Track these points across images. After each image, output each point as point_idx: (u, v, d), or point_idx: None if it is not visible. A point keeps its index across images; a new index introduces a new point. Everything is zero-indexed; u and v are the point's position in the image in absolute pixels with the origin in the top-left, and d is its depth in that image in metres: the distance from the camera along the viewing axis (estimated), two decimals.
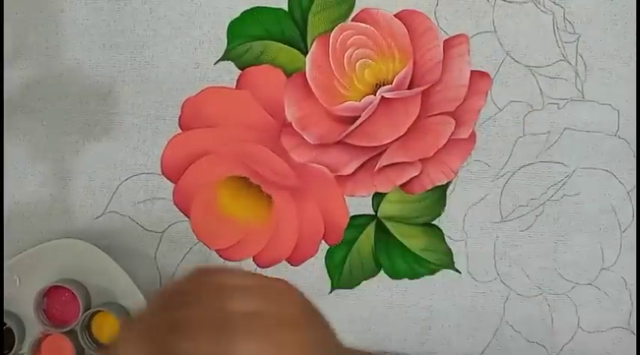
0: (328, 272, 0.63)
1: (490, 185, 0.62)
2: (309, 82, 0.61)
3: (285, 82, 0.61)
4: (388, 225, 0.62)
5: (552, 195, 0.62)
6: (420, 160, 0.62)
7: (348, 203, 0.62)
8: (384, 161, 0.62)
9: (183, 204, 0.62)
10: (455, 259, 0.63)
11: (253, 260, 0.62)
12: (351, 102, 0.61)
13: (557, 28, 0.62)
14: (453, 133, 0.61)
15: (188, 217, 0.62)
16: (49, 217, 0.62)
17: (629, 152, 0.62)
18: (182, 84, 0.61)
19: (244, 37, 0.61)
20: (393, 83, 0.61)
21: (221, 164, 0.61)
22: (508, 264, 0.63)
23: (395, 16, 0.61)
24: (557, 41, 0.62)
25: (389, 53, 0.61)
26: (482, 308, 0.63)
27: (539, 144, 0.62)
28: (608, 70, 0.62)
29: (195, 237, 0.62)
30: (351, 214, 0.62)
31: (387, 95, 0.61)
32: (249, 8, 0.61)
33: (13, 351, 0.59)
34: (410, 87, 0.61)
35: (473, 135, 0.62)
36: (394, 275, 0.63)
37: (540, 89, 0.62)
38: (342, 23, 0.61)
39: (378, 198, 0.62)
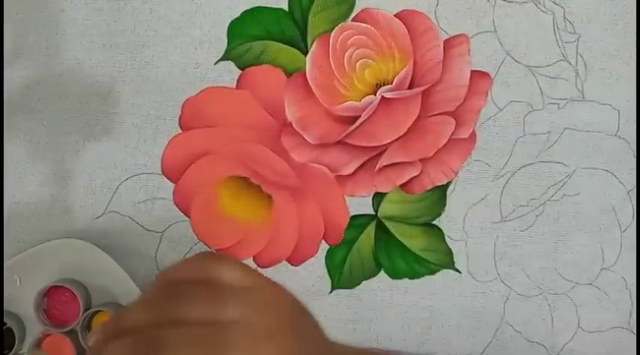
0: (328, 272, 0.63)
1: (490, 185, 0.62)
2: (310, 81, 0.61)
3: (285, 81, 0.61)
4: (388, 225, 0.62)
5: (552, 195, 0.62)
6: (420, 160, 0.62)
7: (348, 203, 0.62)
8: (384, 161, 0.62)
9: (183, 204, 0.62)
10: (455, 259, 0.63)
11: (253, 260, 0.62)
12: (351, 102, 0.61)
13: (558, 28, 0.62)
14: (453, 133, 0.61)
15: (188, 217, 0.62)
16: (49, 217, 0.62)
17: (629, 152, 0.62)
18: (182, 84, 0.61)
19: (244, 37, 0.61)
20: (393, 83, 0.61)
21: (221, 164, 0.61)
22: (508, 263, 0.63)
23: (395, 16, 0.61)
24: (557, 41, 0.62)
25: (389, 53, 0.61)
26: (482, 308, 0.63)
27: (539, 144, 0.62)
28: (608, 70, 0.62)
29: (195, 236, 0.62)
30: (352, 214, 0.62)
31: (387, 95, 0.61)
32: (249, 8, 0.61)
33: (13, 351, 0.59)
34: (410, 87, 0.61)
35: (473, 135, 0.62)
36: (394, 275, 0.63)
37: (540, 89, 0.62)
38: (342, 23, 0.61)
39: (378, 198, 0.62)
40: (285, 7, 0.61)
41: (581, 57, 0.62)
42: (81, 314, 0.58)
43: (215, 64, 0.61)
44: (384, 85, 0.61)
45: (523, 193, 0.62)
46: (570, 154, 0.62)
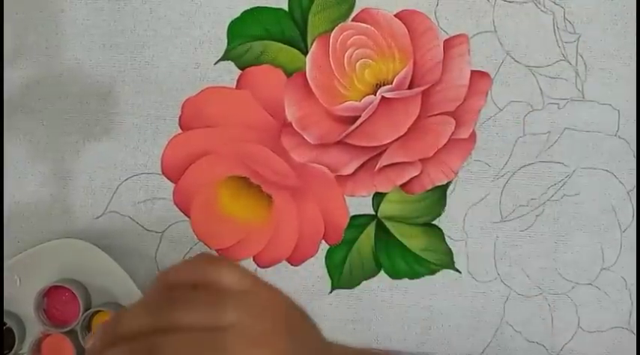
0: (328, 272, 0.63)
1: (490, 185, 0.62)
2: (310, 81, 0.61)
3: (285, 82, 0.61)
4: (388, 225, 0.62)
5: (552, 195, 0.62)
6: (420, 160, 0.62)
7: (348, 203, 0.62)
8: (384, 161, 0.62)
9: (183, 204, 0.62)
10: (455, 259, 0.63)
11: (253, 260, 0.62)
12: (351, 102, 0.61)
13: (558, 28, 0.62)
14: (453, 133, 0.61)
15: (188, 217, 0.62)
16: (49, 217, 0.62)
17: (629, 152, 0.62)
18: (182, 84, 0.61)
19: (244, 37, 0.61)
20: (393, 83, 0.61)
21: (221, 164, 0.61)
22: (508, 264, 0.63)
23: (395, 16, 0.61)
24: (557, 41, 0.62)
25: (389, 53, 0.61)
26: (482, 308, 0.63)
27: (539, 144, 0.62)
28: (608, 70, 0.62)
29: (195, 236, 0.62)
30: (351, 214, 0.62)
31: (387, 95, 0.61)
32: (249, 8, 0.61)
33: (13, 351, 0.59)
34: (410, 87, 0.61)
35: (473, 135, 0.62)
36: (394, 275, 0.63)
37: (540, 89, 0.62)
38: (342, 23, 0.61)
39: (378, 198, 0.62)
40: (285, 7, 0.61)
41: (581, 57, 0.62)
42: (81, 314, 0.58)
43: (215, 64, 0.61)
44: (384, 85, 0.61)
45: (523, 193, 0.62)
46: (570, 154, 0.62)
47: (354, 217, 0.62)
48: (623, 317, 0.63)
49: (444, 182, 0.62)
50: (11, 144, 0.61)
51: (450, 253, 0.63)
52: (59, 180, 0.62)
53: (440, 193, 0.62)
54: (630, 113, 0.62)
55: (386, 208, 0.62)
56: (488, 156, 0.62)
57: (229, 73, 0.61)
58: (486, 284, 0.63)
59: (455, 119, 0.61)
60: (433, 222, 0.63)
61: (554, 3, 0.61)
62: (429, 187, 0.62)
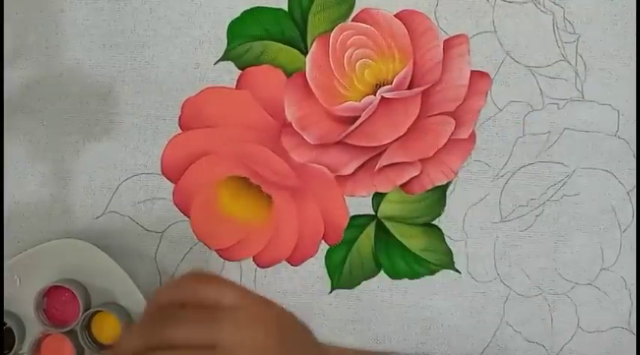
0: (328, 272, 0.63)
1: (490, 185, 0.62)
2: (309, 82, 0.61)
3: (285, 82, 0.61)
4: (388, 225, 0.62)
5: (552, 195, 0.62)
6: (420, 160, 0.62)
7: (348, 203, 0.62)
8: (384, 161, 0.62)
9: (183, 204, 0.62)
10: (455, 259, 0.63)
11: (253, 260, 0.62)
12: (351, 102, 0.61)
13: (557, 28, 0.62)
14: (453, 133, 0.62)
15: (188, 217, 0.62)
16: (49, 217, 0.62)
17: (629, 152, 0.62)
18: (182, 84, 0.61)
19: (244, 37, 0.61)
20: (393, 83, 0.61)
21: (221, 164, 0.61)
22: (508, 264, 0.63)
23: (395, 16, 0.61)
24: (557, 41, 0.62)
25: (389, 53, 0.61)
26: (482, 308, 0.63)
27: (539, 144, 0.62)
28: (608, 70, 0.62)
29: (195, 237, 0.62)
30: (351, 214, 0.62)
31: (387, 95, 0.61)
32: (249, 8, 0.61)
33: (13, 351, 0.59)
34: (410, 87, 0.61)
35: (473, 135, 0.62)
36: (394, 275, 0.63)
37: (540, 89, 0.62)
38: (342, 23, 0.61)
39: (378, 198, 0.62)
40: (285, 7, 0.61)
41: (581, 57, 0.62)
42: (81, 314, 0.58)
43: (215, 64, 0.61)
44: (383, 85, 0.61)
45: (523, 193, 0.62)
46: (570, 154, 0.62)
47: (353, 217, 0.62)
48: (622, 317, 0.63)
49: (444, 182, 0.62)
50: (11, 144, 0.61)
51: (449, 253, 0.63)
52: (59, 180, 0.62)
53: (440, 193, 0.62)
54: (630, 113, 0.62)
55: (386, 208, 0.62)
56: (488, 156, 0.62)
57: (229, 73, 0.61)
58: (486, 285, 0.63)
59: (455, 119, 0.61)
60: (433, 222, 0.63)
61: (554, 3, 0.61)
62: (429, 187, 0.62)
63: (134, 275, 0.60)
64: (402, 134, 0.61)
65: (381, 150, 0.61)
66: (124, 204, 0.62)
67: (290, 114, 0.61)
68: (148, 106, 0.61)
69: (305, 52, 0.61)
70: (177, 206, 0.62)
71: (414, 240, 0.63)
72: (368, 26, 0.61)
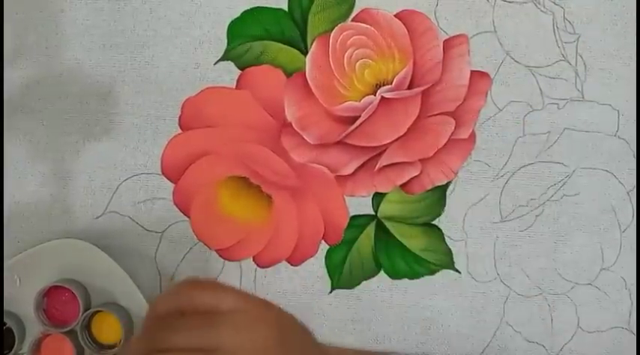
0: (328, 272, 0.63)
1: (490, 185, 0.62)
2: (309, 82, 0.61)
3: (285, 82, 0.61)
4: (388, 225, 0.62)
5: (552, 195, 0.62)
6: (420, 160, 0.62)
7: (348, 203, 0.62)
8: (384, 161, 0.62)
9: (183, 204, 0.62)
10: (455, 259, 0.63)
11: (253, 260, 0.62)
12: (351, 102, 0.61)
13: (557, 28, 0.62)
14: (453, 133, 0.62)
15: (188, 217, 0.62)
16: (49, 217, 0.62)
17: (629, 152, 0.62)
18: (182, 84, 0.61)
19: (244, 37, 0.61)
20: (393, 83, 0.61)
21: (221, 164, 0.61)
22: (508, 264, 0.63)
23: (395, 16, 0.61)
24: (557, 41, 0.62)
25: (389, 53, 0.61)
26: (482, 308, 0.63)
27: (539, 144, 0.62)
28: (608, 70, 0.62)
29: (195, 237, 0.62)
30: (351, 214, 0.62)
31: (387, 95, 0.61)
32: (249, 8, 0.61)
33: (13, 351, 0.59)
34: (410, 87, 0.61)
35: (473, 135, 0.62)
36: (394, 275, 0.63)
37: (540, 89, 0.62)
38: (342, 23, 0.61)
39: (378, 198, 0.62)
40: (285, 7, 0.61)
41: (581, 57, 0.62)
42: (81, 314, 0.58)
43: (215, 64, 0.61)
44: (383, 85, 0.61)
45: (523, 193, 0.62)
46: (570, 154, 0.62)
47: (353, 217, 0.62)
48: (622, 317, 0.63)
49: (444, 182, 0.62)
50: (11, 144, 0.61)
51: (449, 253, 0.63)
52: (59, 180, 0.62)
53: (440, 193, 0.62)
54: (630, 113, 0.62)
55: (386, 208, 0.62)
56: (488, 156, 0.62)
57: (229, 73, 0.61)
58: (486, 285, 0.63)
59: (455, 119, 0.61)
60: (433, 222, 0.63)
61: (554, 3, 0.61)
62: (429, 187, 0.62)
63: (134, 275, 0.60)
64: (402, 134, 0.61)
65: (381, 150, 0.61)
66: (124, 204, 0.62)
67: (290, 114, 0.61)
68: (148, 106, 0.61)
69: (305, 52, 0.61)
70: (177, 206, 0.62)
71: (414, 240, 0.63)
72: (368, 26, 0.61)
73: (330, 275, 0.63)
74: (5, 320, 0.59)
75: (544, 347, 0.63)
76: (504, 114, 0.62)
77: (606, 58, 0.62)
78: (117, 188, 0.62)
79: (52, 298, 0.59)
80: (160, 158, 0.62)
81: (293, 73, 0.61)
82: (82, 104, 0.61)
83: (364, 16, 0.61)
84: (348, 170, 0.62)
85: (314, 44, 0.61)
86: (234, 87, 0.61)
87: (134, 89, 0.61)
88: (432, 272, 0.63)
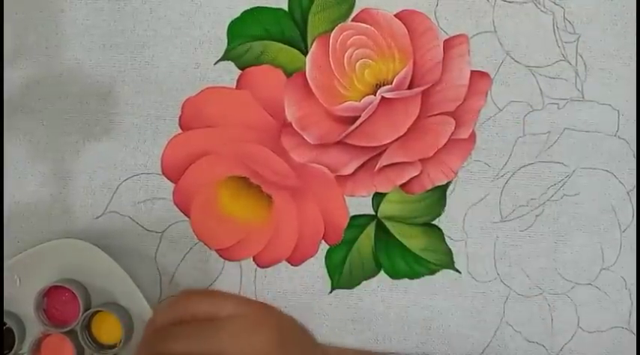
0: (328, 272, 0.63)
1: (490, 185, 0.62)
2: (309, 82, 0.61)
3: (285, 82, 0.61)
4: (388, 225, 0.62)
5: (552, 195, 0.62)
6: (420, 160, 0.62)
7: (348, 203, 0.62)
8: (384, 161, 0.62)
9: (183, 204, 0.62)
10: (455, 259, 0.63)
11: (253, 260, 0.62)
12: (351, 102, 0.61)
13: (557, 28, 0.62)
14: (453, 133, 0.62)
15: (188, 217, 0.62)
16: (49, 217, 0.62)
17: (629, 152, 0.62)
18: (182, 84, 0.61)
19: (244, 37, 0.61)
20: (393, 83, 0.61)
21: (221, 164, 0.61)
22: (508, 264, 0.63)
23: (395, 16, 0.61)
24: (557, 41, 0.62)
25: (389, 53, 0.61)
26: (482, 308, 0.63)
27: (539, 144, 0.62)
28: (608, 70, 0.62)
29: (195, 236, 0.62)
30: (351, 214, 0.62)
31: (387, 95, 0.61)
32: (249, 8, 0.61)
33: (13, 351, 0.59)
34: (410, 87, 0.61)
35: (473, 135, 0.62)
36: (394, 275, 0.63)
37: (540, 89, 0.62)
38: (342, 23, 0.61)
39: (378, 198, 0.62)
40: (285, 7, 0.61)
41: (581, 57, 0.62)
42: (81, 314, 0.58)
43: (215, 64, 0.61)
44: (383, 85, 0.61)
45: (523, 193, 0.62)
46: (570, 154, 0.62)
47: (354, 217, 0.62)
48: (622, 317, 0.63)
49: (444, 182, 0.62)
50: (11, 144, 0.61)
51: (449, 253, 0.63)
52: (59, 180, 0.62)
53: (440, 193, 0.62)
54: (630, 113, 0.62)
55: (386, 208, 0.62)
56: (488, 156, 0.62)
57: (229, 73, 0.61)
58: (486, 284, 0.63)
59: (455, 119, 0.61)
60: (433, 222, 0.63)
61: (554, 3, 0.61)
62: (429, 187, 0.62)
63: (134, 275, 0.60)
64: (402, 134, 0.61)
65: (381, 150, 0.61)
66: (124, 204, 0.62)
67: (290, 114, 0.61)
68: (148, 106, 0.61)
69: (305, 52, 0.61)
70: (177, 206, 0.62)
71: (414, 240, 0.63)
72: (368, 26, 0.61)
73: (330, 275, 0.63)
74: (5, 320, 0.59)
75: (544, 347, 0.63)
76: (504, 114, 0.62)
77: (606, 58, 0.62)
78: (117, 188, 0.62)
79: (52, 298, 0.59)
80: (160, 158, 0.62)
81: (293, 72, 0.61)
82: (82, 104, 0.61)
83: (364, 16, 0.61)
84: (348, 170, 0.62)
85: (314, 44, 0.61)
86: (234, 87, 0.61)
87: (134, 89, 0.61)
88: (432, 272, 0.63)
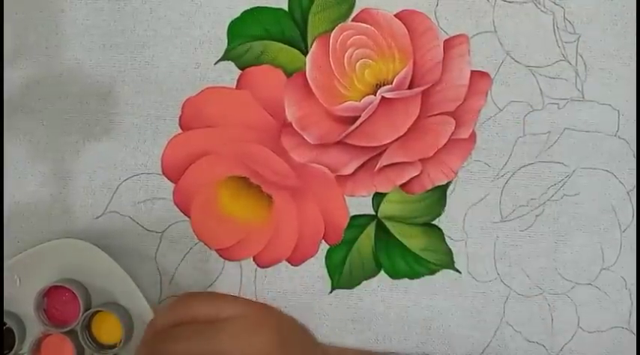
0: (328, 272, 0.63)
1: (490, 185, 0.62)
2: (310, 82, 0.61)
3: (285, 82, 0.61)
4: (388, 225, 0.62)
5: (552, 195, 0.62)
6: (420, 160, 0.62)
7: (348, 203, 0.62)
8: (384, 161, 0.62)
9: (183, 204, 0.62)
10: (455, 259, 0.63)
11: (253, 260, 0.62)
12: (351, 102, 0.61)
13: (557, 28, 0.62)
14: (453, 133, 0.62)
15: (188, 217, 0.62)
16: (49, 217, 0.62)
17: (629, 152, 0.62)
18: (182, 84, 0.61)
19: (244, 37, 0.61)
20: (393, 83, 0.61)
21: (221, 164, 0.61)
22: (508, 264, 0.63)
23: (395, 16, 0.61)
24: (557, 41, 0.62)
25: (389, 53, 0.61)
26: (482, 308, 0.63)
27: (539, 144, 0.62)
28: (608, 70, 0.62)
29: (195, 236, 0.62)
30: (351, 214, 0.62)
31: (387, 95, 0.61)
32: (249, 8, 0.61)
33: (13, 351, 0.59)
34: (410, 87, 0.61)
35: (473, 135, 0.62)
36: (394, 275, 0.63)
37: (540, 89, 0.62)
38: (342, 23, 0.61)
39: (378, 198, 0.62)
40: (285, 7, 0.61)
41: (581, 57, 0.62)
42: (81, 314, 0.58)
43: (215, 64, 0.61)
44: (384, 85, 0.61)
45: (523, 193, 0.62)
46: (570, 154, 0.62)
47: (354, 217, 0.62)
48: (622, 317, 0.63)
49: (444, 182, 0.62)
50: (11, 144, 0.61)
51: (449, 253, 0.63)
52: (59, 180, 0.62)
53: (440, 193, 0.62)
54: (630, 113, 0.62)
55: (386, 208, 0.62)
56: (488, 156, 0.62)
57: (229, 73, 0.61)
58: (486, 284, 0.63)
59: (455, 119, 0.61)
60: (433, 222, 0.63)
61: (554, 3, 0.61)
62: (429, 187, 0.62)
63: (134, 275, 0.60)
64: (402, 134, 0.61)
65: (381, 150, 0.62)
66: (124, 204, 0.62)
67: (290, 114, 0.61)
68: (148, 106, 0.61)
69: (305, 52, 0.61)
70: (177, 206, 0.62)
71: (414, 240, 0.63)
72: (368, 26, 0.61)
73: (330, 275, 0.63)
74: (5, 320, 0.59)
75: (544, 347, 0.63)
76: (504, 114, 0.62)
77: (606, 58, 0.62)
78: (117, 188, 0.62)
79: (52, 298, 0.59)
80: (160, 158, 0.62)
81: (293, 72, 0.61)
82: (82, 104, 0.61)
83: (364, 16, 0.61)
84: (348, 170, 0.62)
85: (314, 44, 0.61)
86: (234, 87, 0.61)
87: (134, 89, 0.61)
88: (432, 272, 0.63)
